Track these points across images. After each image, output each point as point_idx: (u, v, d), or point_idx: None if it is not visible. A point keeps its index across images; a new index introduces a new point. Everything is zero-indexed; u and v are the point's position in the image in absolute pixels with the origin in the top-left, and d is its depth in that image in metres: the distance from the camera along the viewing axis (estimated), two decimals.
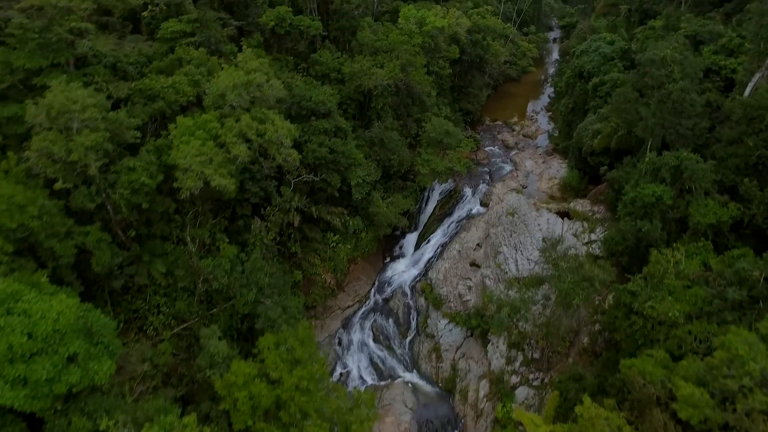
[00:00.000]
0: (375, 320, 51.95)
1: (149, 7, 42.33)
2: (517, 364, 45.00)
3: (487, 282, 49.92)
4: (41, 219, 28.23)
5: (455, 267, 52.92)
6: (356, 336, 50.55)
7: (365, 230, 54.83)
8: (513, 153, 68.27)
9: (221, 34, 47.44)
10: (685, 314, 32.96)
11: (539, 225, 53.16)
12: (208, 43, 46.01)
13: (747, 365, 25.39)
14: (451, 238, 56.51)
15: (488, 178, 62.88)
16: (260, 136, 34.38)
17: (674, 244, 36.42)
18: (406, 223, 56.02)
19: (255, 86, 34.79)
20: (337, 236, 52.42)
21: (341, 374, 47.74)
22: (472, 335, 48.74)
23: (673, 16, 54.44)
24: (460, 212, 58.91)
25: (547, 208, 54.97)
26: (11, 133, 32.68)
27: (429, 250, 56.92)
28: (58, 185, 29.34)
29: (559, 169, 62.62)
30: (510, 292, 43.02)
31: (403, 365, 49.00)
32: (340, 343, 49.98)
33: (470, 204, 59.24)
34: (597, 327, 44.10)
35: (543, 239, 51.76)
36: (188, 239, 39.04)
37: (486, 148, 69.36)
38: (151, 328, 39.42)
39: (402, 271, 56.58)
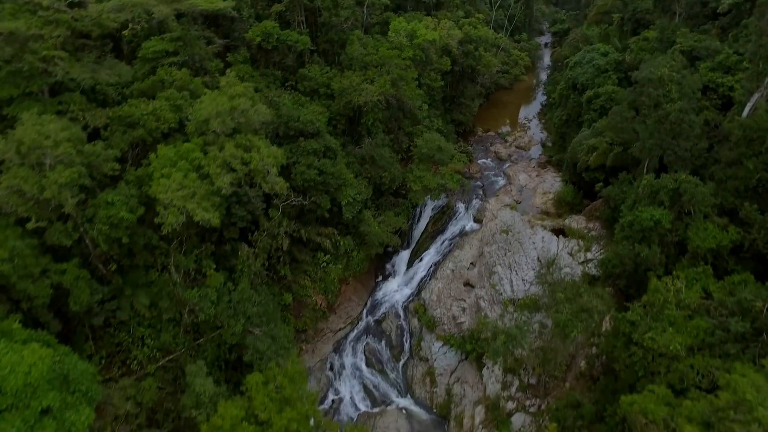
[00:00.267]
0: (367, 343, 50.66)
1: (130, 25, 40.61)
2: (513, 389, 43.89)
3: (482, 303, 48.80)
4: (12, 261, 26.70)
5: (449, 287, 51.74)
6: (348, 360, 49.25)
7: (356, 249, 53.55)
8: (506, 166, 67.23)
9: (205, 51, 45.95)
10: (686, 347, 31.97)
11: (534, 243, 52.12)
12: (192, 61, 44.54)
13: (755, 411, 24.39)
14: (445, 257, 55.35)
15: (481, 192, 61.79)
16: (245, 165, 32.94)
17: (674, 272, 35.41)
18: (398, 242, 54.80)
19: (239, 112, 33.34)
20: (327, 256, 51.09)
21: (333, 401, 46.42)
22: (466, 358, 47.57)
23: (668, 29, 53.55)
24: (453, 229, 57.78)
25: (542, 226, 53.97)
26: None
27: (422, 268, 55.72)
28: (30, 224, 27.78)
29: (553, 183, 61.63)
30: (505, 319, 41.85)
31: (397, 390, 47.75)
32: (331, 368, 48.63)
33: (463, 220, 58.12)
34: (594, 350, 43.14)
35: (538, 259, 50.75)
36: (172, 269, 37.54)
37: (479, 161, 68.27)
38: (135, 362, 37.90)
39: (394, 290, 55.32)
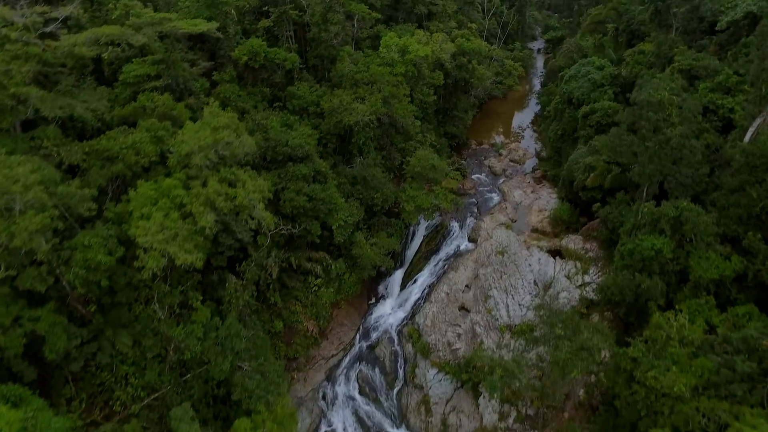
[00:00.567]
0: (360, 370, 49.19)
1: (109, 48, 38.92)
2: (511, 420, 42.65)
3: (477, 329, 47.53)
4: None
5: (443, 311, 50.39)
6: (341, 389, 47.78)
7: (349, 272, 52.07)
8: (501, 181, 65.93)
9: (189, 72, 44.27)
10: (691, 387, 30.84)
11: (530, 265, 50.90)
12: (175, 84, 42.89)
13: None
14: (439, 279, 53.97)
15: (476, 210, 60.45)
16: (231, 200, 31.39)
17: (676, 306, 34.26)
18: (391, 265, 53.38)
19: (223, 145, 31.80)
20: (319, 280, 49.60)
21: None
22: (462, 387, 46.20)
23: (665, 45, 52.39)
24: (447, 249, 56.41)
25: (538, 246, 52.74)
26: None
27: (416, 290, 54.30)
28: (0, 273, 26.11)
29: (549, 199, 60.41)
30: (502, 350, 40.57)
31: (391, 419, 46.33)
32: (324, 398, 47.15)
33: (458, 240, 56.78)
34: (593, 378, 42.02)
35: (534, 282, 49.57)
36: (156, 306, 35.95)
37: (473, 176, 66.92)
38: (118, 402, 36.27)
39: (388, 313, 53.88)
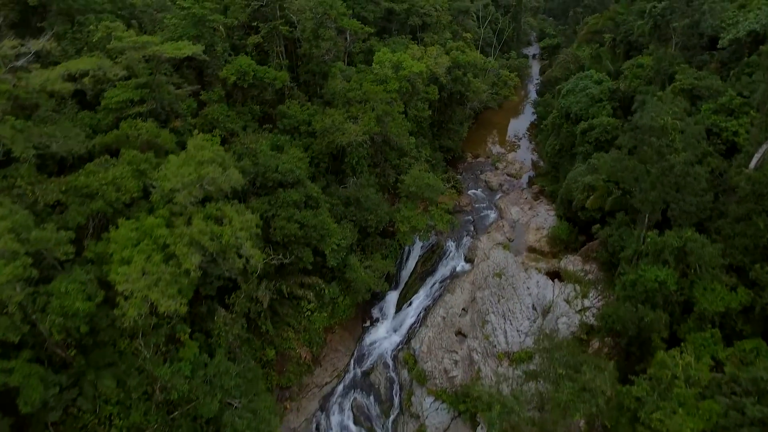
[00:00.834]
0: (355, 398, 47.79)
1: (90, 72, 37.19)
2: None
3: (475, 357, 46.21)
4: None
5: (440, 336, 49.04)
6: (335, 418, 46.36)
7: (342, 295, 50.60)
8: (498, 197, 64.58)
9: (175, 95, 42.61)
10: None
11: (528, 288, 49.62)
12: (160, 107, 41.28)
13: None
14: (435, 301, 52.62)
15: (472, 228, 59.09)
16: (217, 239, 29.88)
17: (682, 344, 33.01)
18: (386, 288, 51.98)
19: (208, 180, 30.26)
20: (312, 304, 48.12)
21: None
22: (459, 416, 44.94)
23: (665, 60, 51.12)
24: (443, 270, 55.06)
25: (536, 268, 51.48)
26: None
27: (411, 313, 52.93)
28: None
29: (546, 217, 59.13)
30: (501, 383, 39.20)
31: None
32: (318, 428, 45.73)
33: (454, 261, 55.44)
34: (595, 409, 40.74)
35: (533, 307, 48.30)
36: (141, 345, 34.37)
37: (469, 192, 65.56)
38: None
39: (383, 337, 52.49)
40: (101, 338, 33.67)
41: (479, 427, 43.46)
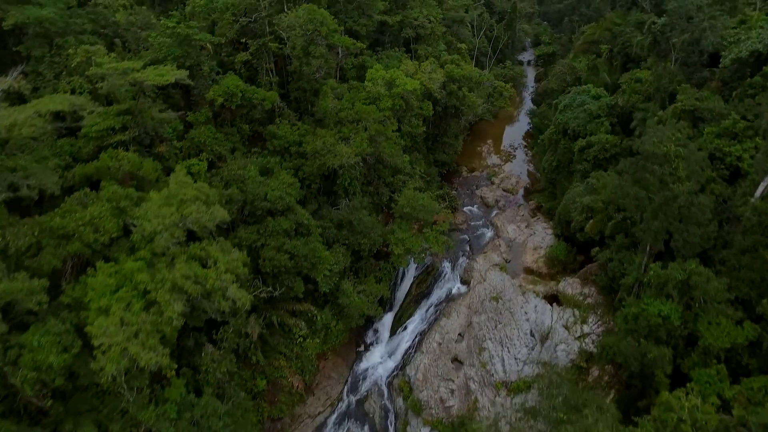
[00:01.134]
0: (349, 428, 46.38)
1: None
2: None
3: (472, 385, 44.91)
4: None
5: (435, 364, 47.66)
6: None
7: (335, 320, 49.12)
8: (494, 214, 63.23)
9: (160, 119, 40.92)
10: None
11: (526, 313, 48.32)
12: (144, 133, 39.66)
13: None
14: (430, 326, 51.22)
15: (468, 248, 57.74)
16: (201, 284, 28.36)
17: (687, 385, 31.76)
18: (380, 312, 50.53)
19: (191, 220, 28.72)
20: (304, 331, 46.63)
21: None
22: None
23: (665, 78, 49.87)
24: (439, 292, 53.70)
25: (534, 291, 50.17)
26: None
27: (406, 338, 51.54)
28: None
29: (544, 235, 57.83)
30: (500, 419, 37.86)
31: None
32: None
33: (450, 283, 54.09)
34: None
35: (531, 333, 47.01)
36: (124, 388, 32.75)
37: (464, 209, 64.19)
38: None
39: (377, 362, 51.06)
40: (80, 383, 32.12)
41: None
